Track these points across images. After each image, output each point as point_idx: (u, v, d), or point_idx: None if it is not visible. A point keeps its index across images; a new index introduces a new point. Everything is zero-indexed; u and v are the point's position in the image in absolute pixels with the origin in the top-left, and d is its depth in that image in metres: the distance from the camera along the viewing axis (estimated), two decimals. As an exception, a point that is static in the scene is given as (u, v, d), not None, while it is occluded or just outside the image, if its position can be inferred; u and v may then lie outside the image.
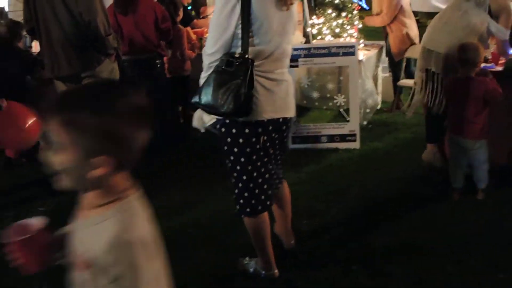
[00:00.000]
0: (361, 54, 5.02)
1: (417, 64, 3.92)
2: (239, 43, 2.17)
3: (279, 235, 2.78)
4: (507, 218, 3.14)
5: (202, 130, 2.59)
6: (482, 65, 3.54)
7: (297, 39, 5.62)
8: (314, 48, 4.48)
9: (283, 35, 2.29)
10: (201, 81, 2.29)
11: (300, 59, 4.47)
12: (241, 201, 2.45)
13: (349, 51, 4.43)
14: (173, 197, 3.68)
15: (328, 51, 4.45)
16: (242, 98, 2.15)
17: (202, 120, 2.50)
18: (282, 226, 2.77)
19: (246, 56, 2.16)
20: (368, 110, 4.64)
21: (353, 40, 5.26)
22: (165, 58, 4.84)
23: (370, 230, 3.10)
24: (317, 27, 5.18)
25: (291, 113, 2.45)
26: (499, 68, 3.82)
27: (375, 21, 5.33)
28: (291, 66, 4.45)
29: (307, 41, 4.91)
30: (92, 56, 3.61)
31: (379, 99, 5.79)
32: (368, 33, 6.14)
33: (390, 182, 3.80)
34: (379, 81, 5.76)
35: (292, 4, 2.25)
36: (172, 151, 4.54)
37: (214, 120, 2.42)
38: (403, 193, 3.61)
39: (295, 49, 4.45)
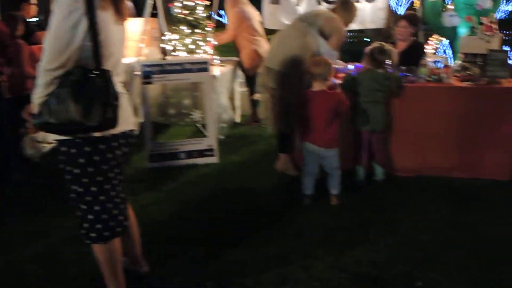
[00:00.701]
0: (217, 70, 5.11)
1: (259, 81, 4.09)
2: (86, 55, 2.05)
3: (129, 263, 2.65)
4: (357, 221, 3.39)
5: (37, 159, 2.36)
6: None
7: (154, 55, 5.55)
8: (168, 64, 4.43)
9: (121, 49, 2.25)
10: (40, 99, 2.08)
11: (154, 76, 4.38)
12: (97, 226, 2.28)
13: (202, 67, 4.46)
14: (11, 229, 3.32)
15: (182, 68, 4.43)
16: (111, 109, 2.08)
17: (38, 146, 2.28)
18: (131, 252, 2.64)
19: (102, 68, 2.08)
20: (224, 125, 4.70)
21: (208, 56, 5.34)
22: (4, 77, 4.39)
23: (229, 245, 3.10)
24: (171, 43, 5.14)
25: (134, 125, 2.40)
26: (338, 82, 4.14)
27: (221, 38, 5.46)
28: (145, 83, 4.41)
29: (164, 58, 4.85)
30: None
31: (237, 113, 5.95)
32: (224, 50, 6.30)
33: (249, 194, 3.89)
34: (237, 96, 5.92)
35: (126, 19, 2.21)
36: (12, 179, 4.11)
37: (56, 143, 2.23)
38: (262, 203, 3.71)
39: (148, 66, 4.40)
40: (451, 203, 3.66)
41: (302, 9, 6.22)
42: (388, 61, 3.77)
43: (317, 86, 3.59)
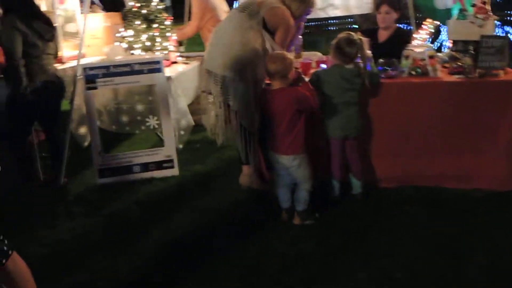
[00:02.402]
0: (180, 68, 4.54)
1: (201, 86, 3.53)
2: None
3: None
4: (324, 249, 2.84)
5: None
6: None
7: (116, 53, 4.98)
8: (114, 66, 3.87)
9: None
10: None
11: (98, 80, 3.84)
12: None
13: (154, 67, 3.91)
14: None
15: (130, 69, 3.87)
16: None
17: None
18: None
19: None
20: (182, 132, 4.15)
21: (173, 54, 4.78)
22: None
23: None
24: (127, 40, 4.58)
25: None
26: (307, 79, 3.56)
27: (183, 32, 4.88)
28: (89, 88, 3.87)
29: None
30: None
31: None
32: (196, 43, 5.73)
33: (209, 212, 3.36)
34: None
35: None
36: None
37: None
38: (219, 229, 3.16)
39: (91, 69, 3.85)
40: (438, 221, 3.08)
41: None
42: (358, 54, 3.17)
43: (276, 85, 3.03)
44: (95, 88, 3.87)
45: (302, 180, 3.10)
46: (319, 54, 4.87)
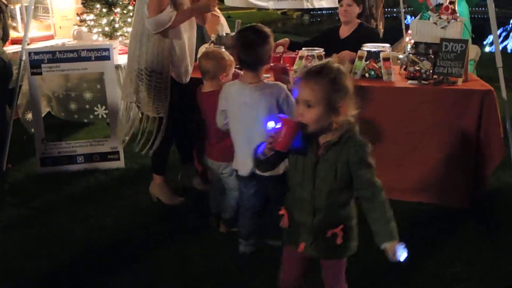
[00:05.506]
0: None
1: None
2: None
3: None
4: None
5: None
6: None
7: (82, 35, 4.81)
8: (60, 51, 3.72)
9: None
10: None
11: (43, 65, 3.68)
12: None
13: (103, 54, 3.74)
14: None
15: (77, 55, 3.71)
16: None
17: None
18: None
19: None
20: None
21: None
22: None
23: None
24: (87, 24, 4.41)
25: None
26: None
27: None
28: (33, 74, 3.72)
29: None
30: None
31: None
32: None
33: (141, 212, 3.21)
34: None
35: None
36: None
37: None
38: (149, 225, 3.03)
39: (36, 53, 3.70)
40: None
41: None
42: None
43: (206, 86, 2.82)
44: (40, 73, 3.72)
45: (231, 188, 2.89)
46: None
